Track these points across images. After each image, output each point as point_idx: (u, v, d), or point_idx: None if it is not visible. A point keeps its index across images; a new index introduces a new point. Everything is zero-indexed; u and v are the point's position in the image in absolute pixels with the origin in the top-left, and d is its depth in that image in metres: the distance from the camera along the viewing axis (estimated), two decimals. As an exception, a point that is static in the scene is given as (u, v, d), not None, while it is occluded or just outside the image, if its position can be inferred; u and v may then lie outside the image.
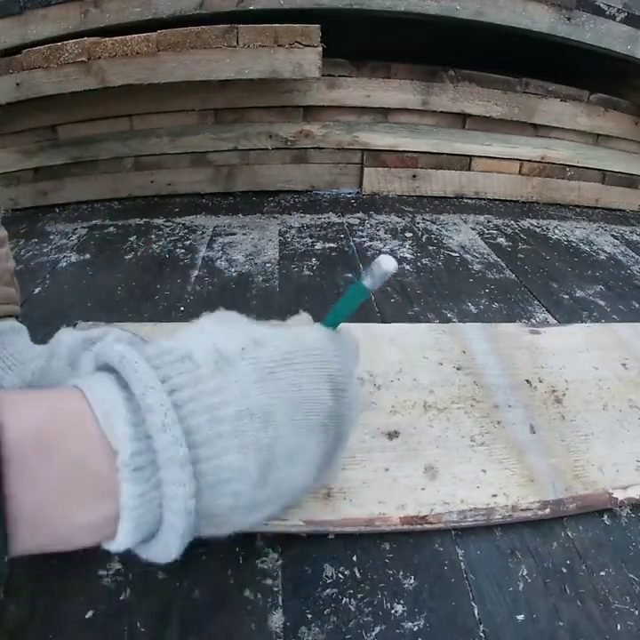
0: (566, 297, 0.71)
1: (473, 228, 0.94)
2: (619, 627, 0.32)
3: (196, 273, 0.73)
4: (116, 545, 0.22)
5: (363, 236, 0.88)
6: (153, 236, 0.86)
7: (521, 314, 0.66)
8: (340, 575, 0.34)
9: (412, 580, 0.34)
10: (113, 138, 0.96)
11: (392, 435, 0.43)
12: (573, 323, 0.64)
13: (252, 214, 0.96)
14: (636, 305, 0.71)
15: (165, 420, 0.21)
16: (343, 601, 0.33)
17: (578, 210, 1.10)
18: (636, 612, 0.33)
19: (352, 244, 0.85)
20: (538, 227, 0.98)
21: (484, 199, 1.09)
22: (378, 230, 0.91)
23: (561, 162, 1.07)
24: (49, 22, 0.83)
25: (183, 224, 0.91)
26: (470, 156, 1.05)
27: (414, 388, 0.48)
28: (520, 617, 0.32)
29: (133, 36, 0.79)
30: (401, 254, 0.82)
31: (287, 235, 0.87)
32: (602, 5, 0.88)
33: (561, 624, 0.32)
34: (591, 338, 0.58)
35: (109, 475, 0.20)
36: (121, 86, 0.82)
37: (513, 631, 0.32)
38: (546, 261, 0.83)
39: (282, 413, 0.24)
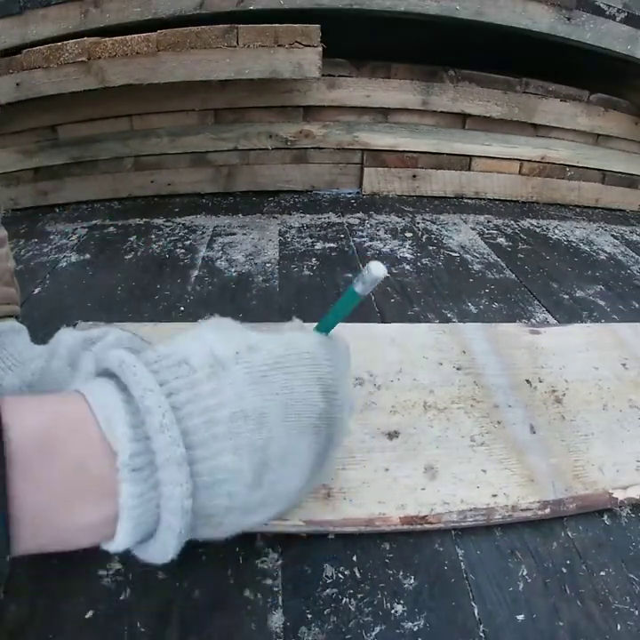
0: (566, 297, 0.71)
1: (473, 228, 0.94)
2: (619, 627, 0.32)
3: (195, 273, 0.73)
4: (115, 545, 0.22)
5: (363, 236, 0.88)
6: (153, 236, 0.86)
7: (521, 314, 0.66)
8: (339, 575, 0.34)
9: (412, 580, 0.34)
10: (113, 138, 0.96)
11: (392, 435, 0.43)
12: (573, 323, 0.64)
13: (252, 214, 0.96)
14: (636, 305, 0.71)
15: (163, 420, 0.21)
16: (343, 601, 0.33)
17: (578, 210, 1.10)
18: (636, 612, 0.33)
19: (352, 243, 0.85)
20: (538, 227, 0.98)
21: (484, 199, 1.09)
22: (378, 230, 0.91)
23: (561, 162, 1.07)
24: (49, 22, 0.83)
25: (183, 224, 0.91)
26: (470, 156, 1.05)
27: (414, 388, 0.48)
28: (520, 617, 0.32)
29: (133, 36, 0.79)
30: (401, 254, 0.82)
31: (287, 235, 0.87)
32: (602, 5, 0.88)
33: (561, 624, 0.32)
34: (591, 338, 0.58)
35: (109, 476, 0.21)
36: (121, 86, 0.82)
37: (513, 631, 0.32)
38: (546, 261, 0.83)
39: (275, 415, 0.25)
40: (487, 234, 0.92)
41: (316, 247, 0.83)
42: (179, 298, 0.67)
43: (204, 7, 0.83)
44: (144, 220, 0.92)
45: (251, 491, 0.24)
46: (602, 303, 0.70)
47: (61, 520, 0.20)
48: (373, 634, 0.31)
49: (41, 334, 0.38)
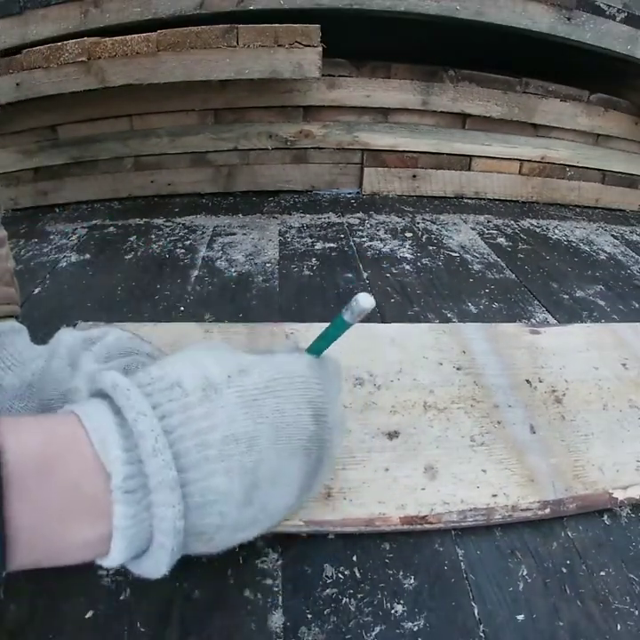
0: (566, 297, 0.71)
1: (473, 228, 0.94)
2: (619, 627, 0.32)
3: (195, 273, 0.73)
4: (109, 561, 0.23)
5: (363, 236, 0.88)
6: (153, 236, 0.86)
7: (521, 314, 0.66)
8: (340, 575, 0.34)
9: (412, 580, 0.34)
10: (113, 138, 0.96)
11: (392, 435, 0.43)
12: (573, 323, 0.64)
13: (252, 214, 0.96)
14: (636, 305, 0.71)
15: (156, 445, 0.22)
16: (343, 601, 0.33)
17: (578, 210, 1.10)
18: (636, 612, 0.33)
19: (352, 243, 0.85)
20: (538, 227, 0.98)
21: (484, 199, 1.09)
22: (378, 230, 0.91)
23: (561, 162, 1.07)
24: (49, 22, 0.83)
25: (183, 224, 0.91)
26: (470, 156, 1.05)
27: (414, 388, 0.48)
28: (520, 617, 0.32)
29: (133, 36, 0.79)
30: (401, 254, 0.82)
31: (287, 235, 0.87)
32: (602, 5, 0.88)
33: (561, 624, 0.32)
34: (591, 338, 0.58)
35: (103, 497, 0.21)
36: (121, 86, 0.82)
37: (513, 631, 0.32)
38: (546, 261, 0.83)
39: (265, 438, 0.25)
40: (487, 234, 0.92)
41: (315, 247, 0.83)
42: (179, 298, 0.67)
43: (203, 7, 0.83)
44: (144, 220, 0.92)
45: (241, 510, 0.25)
46: (602, 303, 0.70)
47: (57, 539, 0.21)
48: (373, 634, 0.31)
49: (41, 334, 0.38)
